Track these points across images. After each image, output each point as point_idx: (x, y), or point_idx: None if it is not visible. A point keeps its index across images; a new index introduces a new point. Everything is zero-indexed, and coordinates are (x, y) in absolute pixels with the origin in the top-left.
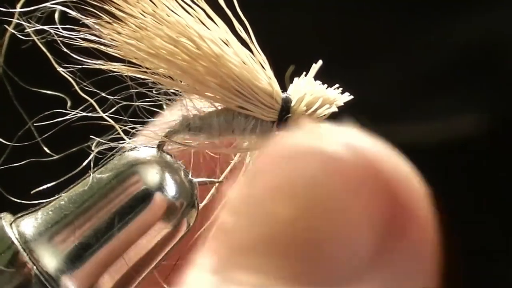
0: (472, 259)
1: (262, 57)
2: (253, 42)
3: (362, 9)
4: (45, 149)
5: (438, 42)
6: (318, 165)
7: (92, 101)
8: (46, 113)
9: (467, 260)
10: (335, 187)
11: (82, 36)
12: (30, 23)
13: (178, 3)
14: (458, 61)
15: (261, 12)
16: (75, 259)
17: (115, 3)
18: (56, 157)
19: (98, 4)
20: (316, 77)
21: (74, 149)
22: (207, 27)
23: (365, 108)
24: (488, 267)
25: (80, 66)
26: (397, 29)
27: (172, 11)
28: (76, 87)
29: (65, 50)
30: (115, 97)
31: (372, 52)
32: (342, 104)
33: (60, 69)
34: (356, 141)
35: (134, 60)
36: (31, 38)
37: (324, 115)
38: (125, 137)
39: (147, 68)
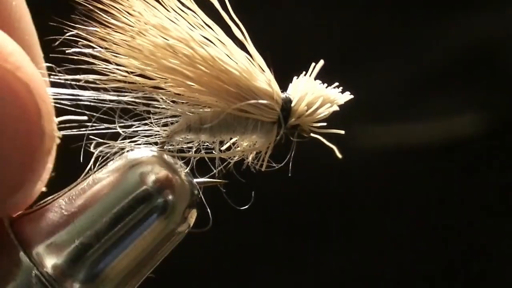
0: (472, 257)
1: (260, 59)
2: (249, 44)
3: (362, 10)
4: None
5: (438, 42)
6: None
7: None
8: None
9: (467, 259)
10: None
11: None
12: None
13: (175, 10)
14: (458, 61)
15: (260, 12)
16: (75, 259)
17: (109, 12)
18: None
19: (92, 14)
20: (315, 78)
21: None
22: (203, 31)
23: (365, 108)
24: (488, 266)
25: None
26: (396, 29)
27: (168, 18)
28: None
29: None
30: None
31: (372, 52)
32: (343, 103)
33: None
34: None
35: (132, 69)
36: None
37: (325, 114)
38: (125, 135)
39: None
